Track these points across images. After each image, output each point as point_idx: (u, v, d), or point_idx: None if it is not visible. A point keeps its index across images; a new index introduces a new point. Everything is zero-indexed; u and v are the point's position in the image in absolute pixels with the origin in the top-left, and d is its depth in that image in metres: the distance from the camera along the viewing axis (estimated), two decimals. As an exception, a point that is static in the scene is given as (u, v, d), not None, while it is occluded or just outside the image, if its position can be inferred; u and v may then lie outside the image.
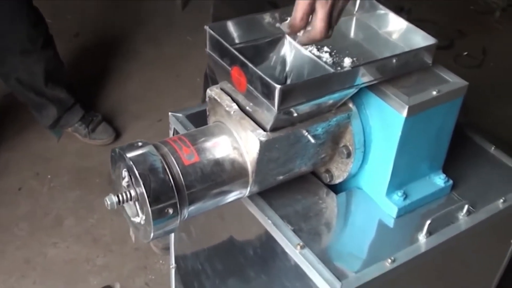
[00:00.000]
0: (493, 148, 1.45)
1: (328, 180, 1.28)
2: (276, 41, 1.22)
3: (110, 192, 1.09)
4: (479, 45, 3.64)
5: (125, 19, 3.56)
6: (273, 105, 1.02)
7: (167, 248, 2.18)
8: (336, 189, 1.30)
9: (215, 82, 1.86)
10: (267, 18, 1.24)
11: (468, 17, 4.04)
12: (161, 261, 2.17)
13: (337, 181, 1.27)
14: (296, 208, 1.23)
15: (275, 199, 1.23)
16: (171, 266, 1.77)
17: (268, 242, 1.22)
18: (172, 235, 1.69)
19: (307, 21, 1.07)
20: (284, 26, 1.11)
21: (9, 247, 2.21)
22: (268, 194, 1.23)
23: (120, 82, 3.08)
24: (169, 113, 1.46)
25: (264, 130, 1.09)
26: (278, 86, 0.99)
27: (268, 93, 1.02)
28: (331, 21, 1.07)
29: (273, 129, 1.09)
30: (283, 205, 1.23)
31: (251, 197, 1.21)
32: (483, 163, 1.41)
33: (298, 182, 1.27)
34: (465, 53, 3.55)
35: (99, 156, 2.57)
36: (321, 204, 1.26)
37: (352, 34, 1.33)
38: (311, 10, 1.06)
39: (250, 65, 1.05)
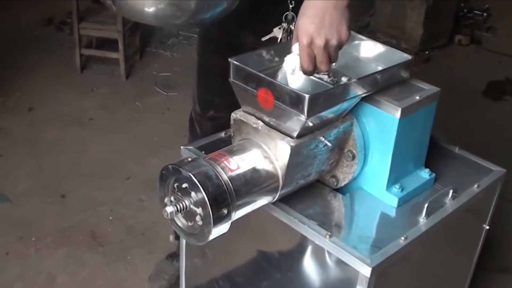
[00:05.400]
0: (457, 148, 1.72)
1: (335, 184, 1.50)
2: (279, 69, 1.44)
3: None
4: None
5: (74, 91, 3.71)
6: (303, 112, 1.24)
7: (162, 291, 2.30)
8: (339, 192, 1.51)
9: (200, 125, 2.07)
10: (266, 54, 1.47)
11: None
12: (160, 301, 2.28)
13: (343, 183, 1.49)
14: (314, 209, 1.44)
15: (293, 207, 1.43)
16: (181, 297, 1.90)
17: (294, 240, 1.41)
18: (183, 267, 1.84)
19: (314, 66, 1.31)
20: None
21: (9, 308, 2.26)
22: (287, 204, 1.43)
23: (81, 149, 3.20)
24: (181, 147, 1.62)
25: (291, 137, 1.30)
26: (307, 95, 1.22)
27: (297, 102, 1.24)
28: (331, 60, 1.32)
29: (298, 136, 1.30)
30: (302, 209, 1.43)
31: (275, 204, 1.41)
32: (452, 161, 1.68)
33: (308, 190, 1.48)
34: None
35: (76, 216, 2.66)
36: (333, 204, 1.47)
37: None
38: (314, 57, 1.30)
39: (277, 82, 1.27)
